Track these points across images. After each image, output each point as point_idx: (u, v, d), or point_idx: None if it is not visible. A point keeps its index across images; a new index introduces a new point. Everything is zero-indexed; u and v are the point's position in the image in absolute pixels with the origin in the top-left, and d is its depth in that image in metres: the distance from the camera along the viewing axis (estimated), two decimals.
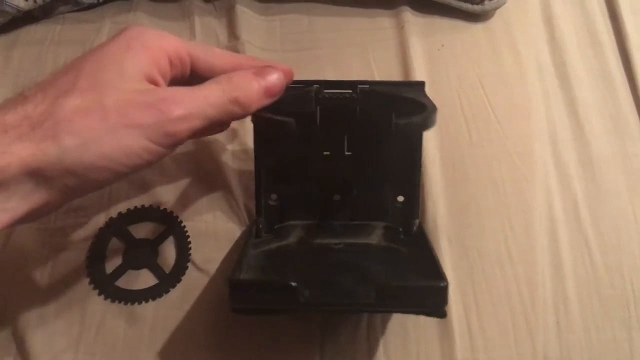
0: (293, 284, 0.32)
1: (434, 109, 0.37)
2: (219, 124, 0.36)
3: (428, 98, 0.41)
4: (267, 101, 0.36)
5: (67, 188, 0.30)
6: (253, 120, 0.39)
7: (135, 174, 0.33)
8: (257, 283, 0.36)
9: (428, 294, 0.33)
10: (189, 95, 0.33)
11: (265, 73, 0.36)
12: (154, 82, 0.33)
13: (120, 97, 0.31)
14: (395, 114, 0.36)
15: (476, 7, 0.56)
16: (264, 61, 0.39)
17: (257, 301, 0.34)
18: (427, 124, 0.36)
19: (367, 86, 0.42)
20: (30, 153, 0.29)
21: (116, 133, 0.30)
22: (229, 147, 0.51)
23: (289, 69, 0.39)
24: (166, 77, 0.34)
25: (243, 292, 0.34)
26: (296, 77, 0.53)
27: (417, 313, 0.36)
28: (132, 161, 0.31)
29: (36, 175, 0.29)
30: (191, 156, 0.50)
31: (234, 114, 0.35)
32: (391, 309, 0.39)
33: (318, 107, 0.42)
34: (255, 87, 0.35)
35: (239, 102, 0.34)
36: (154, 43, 0.33)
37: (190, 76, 0.36)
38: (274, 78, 0.37)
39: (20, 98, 0.30)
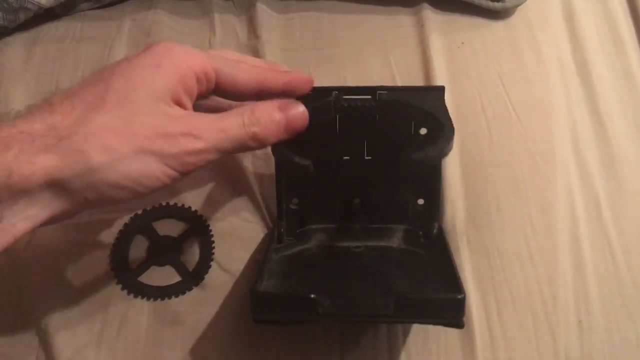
0: (312, 295, 0.33)
1: (450, 136, 0.38)
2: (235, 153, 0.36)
3: (447, 112, 0.41)
4: (286, 137, 0.36)
5: (86, 201, 0.31)
6: (273, 154, 0.40)
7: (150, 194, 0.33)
8: (278, 296, 0.36)
9: (446, 306, 0.34)
10: (210, 127, 0.33)
11: (289, 108, 0.36)
12: (180, 103, 0.33)
13: (148, 122, 0.31)
14: (414, 129, 0.38)
15: (497, 5, 0.56)
16: (289, 74, 0.39)
17: (278, 313, 0.35)
18: (443, 154, 0.37)
19: (386, 92, 0.42)
20: (55, 165, 0.29)
21: (141, 156, 0.31)
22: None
23: (309, 78, 0.39)
24: (192, 96, 0.35)
25: (264, 304, 0.35)
26: (316, 76, 0.53)
27: (435, 324, 0.36)
28: (151, 183, 0.32)
29: (59, 186, 0.30)
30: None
31: (250, 148, 0.35)
32: (409, 320, 0.39)
33: (337, 115, 0.42)
34: (276, 122, 0.35)
35: (257, 137, 0.35)
36: (184, 62, 0.33)
37: (215, 90, 0.36)
38: (298, 113, 0.36)
39: (47, 106, 0.31)
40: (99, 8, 0.59)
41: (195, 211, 0.48)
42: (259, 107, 0.35)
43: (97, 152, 0.30)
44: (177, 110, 0.33)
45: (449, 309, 0.34)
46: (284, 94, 0.38)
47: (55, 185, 0.29)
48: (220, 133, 0.33)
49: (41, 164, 0.29)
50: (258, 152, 0.50)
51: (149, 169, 0.31)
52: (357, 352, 0.43)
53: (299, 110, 0.37)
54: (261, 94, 0.37)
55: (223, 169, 0.50)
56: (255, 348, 0.43)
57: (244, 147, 0.35)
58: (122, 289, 0.45)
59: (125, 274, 0.45)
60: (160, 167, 0.32)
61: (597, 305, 0.44)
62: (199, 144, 0.32)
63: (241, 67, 0.37)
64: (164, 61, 0.33)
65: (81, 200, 0.31)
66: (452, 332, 0.43)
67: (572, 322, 0.44)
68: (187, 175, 0.33)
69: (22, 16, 0.56)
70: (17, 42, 0.57)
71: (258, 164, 0.50)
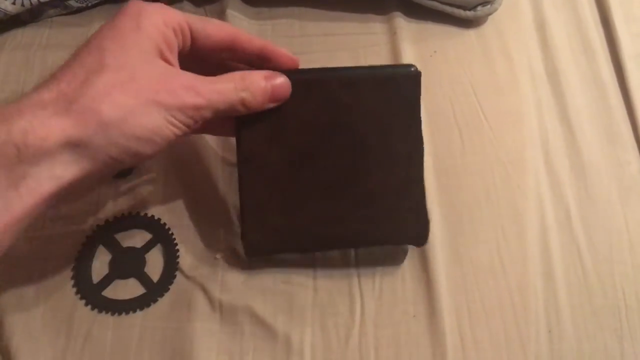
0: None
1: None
2: (220, 118, 0.38)
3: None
4: (270, 105, 0.39)
5: (109, 158, 0.33)
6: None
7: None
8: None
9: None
10: (207, 87, 0.36)
11: (273, 77, 0.39)
12: (166, 60, 0.36)
13: (150, 77, 0.34)
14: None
15: (469, 13, 0.56)
16: (266, 42, 0.41)
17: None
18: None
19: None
20: (70, 125, 0.31)
21: (150, 108, 0.34)
22: (219, 152, 0.50)
23: (292, 56, 0.42)
24: (175, 52, 0.37)
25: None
26: None
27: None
28: (164, 134, 0.35)
29: (78, 145, 0.32)
30: (178, 161, 0.50)
31: (238, 112, 0.38)
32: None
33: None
34: (262, 90, 0.38)
35: (245, 103, 0.38)
36: (159, 19, 0.36)
37: (190, 46, 0.38)
38: (281, 82, 0.39)
39: (51, 79, 0.33)
40: (67, 14, 0.58)
41: (159, 219, 0.47)
42: (248, 75, 0.38)
43: (109, 108, 0.32)
44: (170, 67, 0.36)
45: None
46: (259, 60, 0.41)
47: (74, 145, 0.32)
48: (215, 93, 0.36)
49: (56, 125, 0.31)
50: (226, 154, 0.50)
51: (157, 121, 0.34)
52: None
53: (282, 80, 0.39)
54: (236, 53, 0.40)
55: (187, 174, 0.49)
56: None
57: (233, 110, 0.38)
58: (86, 304, 0.44)
59: (88, 288, 0.44)
60: (166, 119, 0.34)
61: (567, 314, 0.44)
62: (198, 100, 0.35)
63: (213, 22, 0.39)
64: (143, 21, 0.35)
65: (106, 158, 0.33)
66: (424, 344, 0.43)
67: (542, 332, 0.44)
68: (188, 132, 0.36)
69: None
70: None
71: (225, 168, 0.49)
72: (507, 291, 0.45)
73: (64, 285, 0.44)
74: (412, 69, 0.42)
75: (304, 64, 0.55)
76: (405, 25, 0.57)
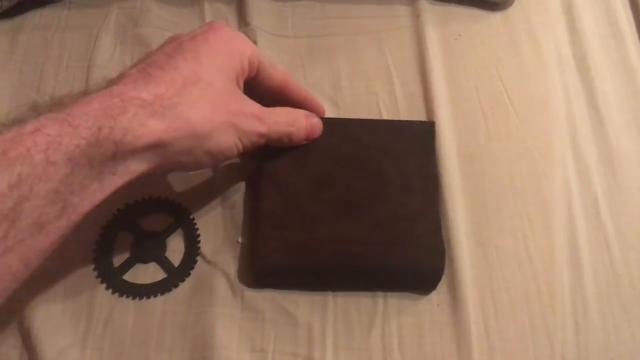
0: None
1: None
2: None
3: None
4: (305, 141, 0.44)
5: (177, 163, 0.36)
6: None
7: None
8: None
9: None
10: (270, 117, 0.40)
11: (312, 117, 0.44)
12: (238, 84, 0.39)
13: (232, 99, 0.38)
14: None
15: None
16: (310, 94, 0.46)
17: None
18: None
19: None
20: (163, 128, 0.33)
21: (228, 128, 0.37)
22: None
23: (322, 108, 0.47)
24: (244, 78, 0.40)
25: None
26: (309, 65, 0.53)
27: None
28: (229, 153, 0.38)
29: (161, 148, 0.34)
30: None
31: (282, 144, 0.43)
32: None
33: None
34: (304, 127, 0.43)
35: (290, 137, 0.42)
36: (242, 48, 0.39)
37: (252, 79, 0.41)
38: (317, 122, 0.45)
39: (144, 75, 0.34)
40: None
41: (180, 204, 0.46)
42: (295, 112, 0.43)
43: (201, 121, 0.35)
44: (242, 93, 0.39)
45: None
46: (297, 106, 0.44)
47: (158, 147, 0.34)
48: (275, 125, 0.40)
49: (151, 126, 0.33)
50: None
51: (230, 141, 0.37)
52: (350, 353, 0.41)
53: (317, 120, 0.45)
54: (280, 98, 0.43)
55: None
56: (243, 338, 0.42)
57: (280, 141, 0.42)
58: (107, 288, 0.43)
59: (109, 272, 0.44)
60: (236, 140, 0.38)
61: (594, 305, 0.43)
62: (262, 128, 0.39)
63: (278, 68, 0.42)
64: (234, 47, 0.38)
65: (174, 162, 0.36)
66: (448, 333, 0.42)
67: (569, 322, 0.43)
68: (245, 153, 0.40)
69: (5, 3, 0.54)
70: (1, 30, 0.55)
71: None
72: (533, 280, 0.44)
73: (85, 268, 0.44)
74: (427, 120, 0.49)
75: (324, 47, 0.54)
76: (429, 8, 0.55)
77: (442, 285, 0.44)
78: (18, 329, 0.42)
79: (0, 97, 0.51)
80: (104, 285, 0.43)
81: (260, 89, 0.42)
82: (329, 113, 0.50)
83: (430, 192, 0.45)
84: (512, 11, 0.56)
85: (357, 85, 0.52)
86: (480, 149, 0.49)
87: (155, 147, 0.33)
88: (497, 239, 0.45)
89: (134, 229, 0.45)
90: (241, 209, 0.47)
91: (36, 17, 0.56)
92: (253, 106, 0.39)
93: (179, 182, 0.48)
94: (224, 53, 0.37)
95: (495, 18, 0.55)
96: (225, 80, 0.37)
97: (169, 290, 0.43)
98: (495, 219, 0.46)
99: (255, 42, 0.53)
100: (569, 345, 0.42)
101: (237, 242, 0.45)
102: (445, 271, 0.43)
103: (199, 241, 0.45)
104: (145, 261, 0.44)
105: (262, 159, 0.45)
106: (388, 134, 0.46)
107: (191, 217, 0.46)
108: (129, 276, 0.44)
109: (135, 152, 0.33)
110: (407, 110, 0.51)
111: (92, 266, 0.44)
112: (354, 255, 0.42)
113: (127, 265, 0.44)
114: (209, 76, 0.36)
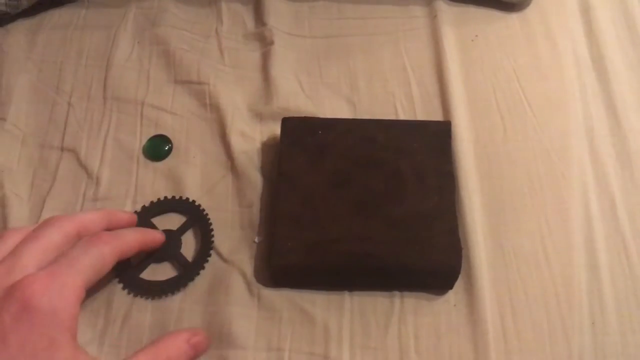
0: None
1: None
2: None
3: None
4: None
5: None
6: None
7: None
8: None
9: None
10: None
11: (194, 336, 0.38)
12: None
13: None
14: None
15: None
16: (142, 233, 0.43)
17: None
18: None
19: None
20: None
21: None
22: (257, 138, 0.50)
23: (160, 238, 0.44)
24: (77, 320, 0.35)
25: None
26: (325, 66, 0.53)
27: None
28: None
29: None
30: (217, 147, 0.50)
31: None
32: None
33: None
34: (184, 353, 0.37)
35: None
36: (66, 318, 0.34)
37: None
38: (202, 338, 0.39)
39: None
40: None
41: (193, 201, 0.47)
42: (165, 343, 0.37)
43: None
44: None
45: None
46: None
47: None
48: None
49: None
50: (264, 138, 0.50)
51: None
52: (366, 352, 0.41)
53: (202, 336, 0.39)
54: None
55: (226, 158, 0.49)
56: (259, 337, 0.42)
57: None
58: (123, 288, 0.43)
59: (125, 271, 0.44)
60: None
61: (612, 306, 0.43)
62: None
63: (105, 259, 0.38)
64: (57, 337, 0.33)
65: None
66: (465, 333, 0.42)
67: (586, 324, 0.42)
68: None
69: (25, 2, 0.55)
70: (20, 29, 0.56)
71: (263, 153, 0.49)
72: (550, 282, 0.44)
73: None
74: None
75: (341, 48, 0.54)
76: (446, 9, 0.55)
77: (459, 286, 0.44)
78: None
79: (20, 95, 0.52)
80: (121, 285, 0.44)
81: None
82: (346, 113, 0.50)
83: (447, 191, 0.45)
84: (529, 12, 0.56)
85: (373, 85, 0.53)
86: (498, 149, 0.49)
87: None
88: (514, 240, 0.45)
89: (149, 228, 0.46)
90: (258, 208, 0.47)
91: (55, 16, 0.56)
92: None
93: (195, 181, 0.48)
94: (50, 350, 0.32)
95: (512, 19, 0.55)
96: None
97: (185, 285, 0.44)
98: (512, 220, 0.46)
99: (272, 42, 0.54)
100: (586, 347, 0.42)
101: (254, 241, 0.45)
102: (462, 271, 0.43)
103: (212, 235, 0.45)
104: (161, 259, 0.45)
105: (279, 160, 0.45)
106: (404, 134, 0.46)
107: (205, 213, 0.46)
108: (146, 274, 0.44)
109: None
110: (424, 111, 0.51)
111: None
112: (370, 255, 0.42)
113: (143, 264, 0.44)
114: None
